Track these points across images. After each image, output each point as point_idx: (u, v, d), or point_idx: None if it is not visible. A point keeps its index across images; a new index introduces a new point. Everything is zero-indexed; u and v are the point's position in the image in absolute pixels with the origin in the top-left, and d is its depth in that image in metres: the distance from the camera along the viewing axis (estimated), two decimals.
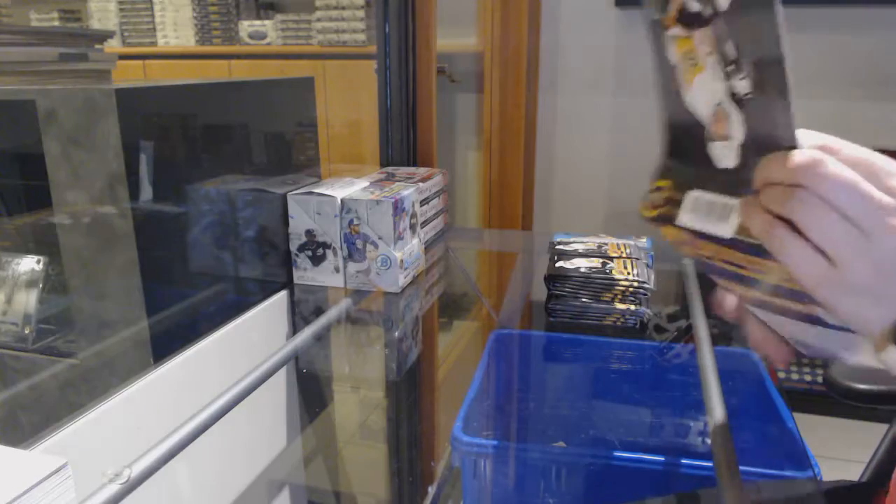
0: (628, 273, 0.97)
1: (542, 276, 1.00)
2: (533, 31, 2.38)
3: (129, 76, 2.62)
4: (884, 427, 1.01)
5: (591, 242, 1.10)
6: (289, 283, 1.05)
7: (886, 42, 2.22)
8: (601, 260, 1.02)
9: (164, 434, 0.59)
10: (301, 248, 1.04)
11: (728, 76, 0.41)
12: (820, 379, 2.16)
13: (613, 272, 0.97)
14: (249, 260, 0.96)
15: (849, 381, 0.91)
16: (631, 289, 0.95)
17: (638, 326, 0.97)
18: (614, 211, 2.59)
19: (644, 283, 0.95)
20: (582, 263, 1.00)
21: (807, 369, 2.21)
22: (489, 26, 2.23)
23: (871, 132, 2.30)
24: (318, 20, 2.49)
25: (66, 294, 0.79)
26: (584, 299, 0.97)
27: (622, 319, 0.96)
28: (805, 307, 0.44)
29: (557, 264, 1.00)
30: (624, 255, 1.03)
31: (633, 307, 0.96)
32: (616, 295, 0.96)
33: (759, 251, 0.43)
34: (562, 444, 0.99)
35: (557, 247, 1.08)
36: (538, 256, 1.24)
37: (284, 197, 1.02)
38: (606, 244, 1.09)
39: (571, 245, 1.08)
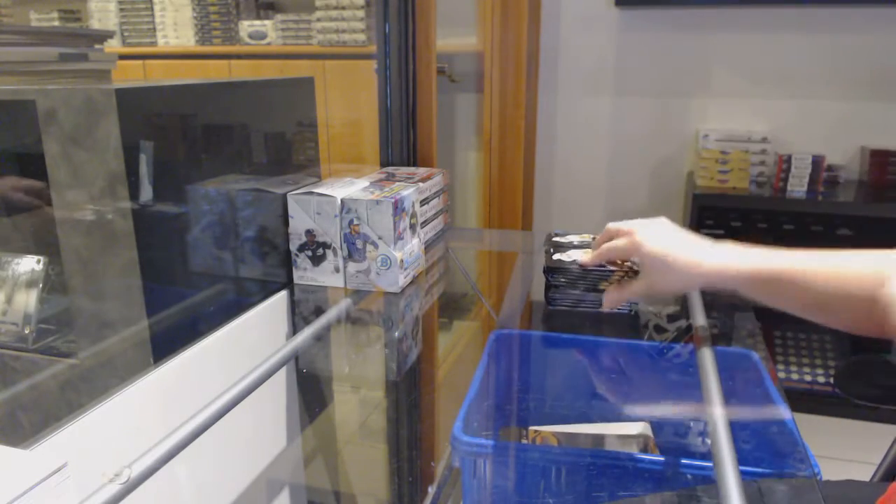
0: (623, 261, 0.97)
1: (542, 277, 1.00)
2: (533, 31, 2.39)
3: (129, 76, 2.62)
4: (884, 427, 1.01)
5: (586, 235, 1.11)
6: (289, 283, 1.05)
7: (887, 42, 2.22)
8: None
9: (164, 434, 0.59)
10: (301, 248, 1.04)
11: None
12: (820, 379, 2.16)
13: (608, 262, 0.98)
14: (249, 260, 0.96)
15: (859, 382, 0.91)
16: (627, 276, 0.95)
17: (633, 313, 0.99)
18: (614, 211, 2.59)
19: (637, 267, 0.95)
20: (578, 255, 1.00)
21: (807, 369, 2.21)
22: (489, 26, 2.23)
23: (871, 132, 2.30)
24: (318, 20, 2.49)
25: (66, 294, 0.79)
26: (581, 289, 0.99)
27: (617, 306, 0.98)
28: None
29: (555, 257, 1.01)
30: None
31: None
32: (612, 284, 0.97)
33: None
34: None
35: (554, 239, 1.09)
36: (538, 256, 1.24)
37: (284, 197, 1.02)
38: None
39: (567, 238, 1.09)
